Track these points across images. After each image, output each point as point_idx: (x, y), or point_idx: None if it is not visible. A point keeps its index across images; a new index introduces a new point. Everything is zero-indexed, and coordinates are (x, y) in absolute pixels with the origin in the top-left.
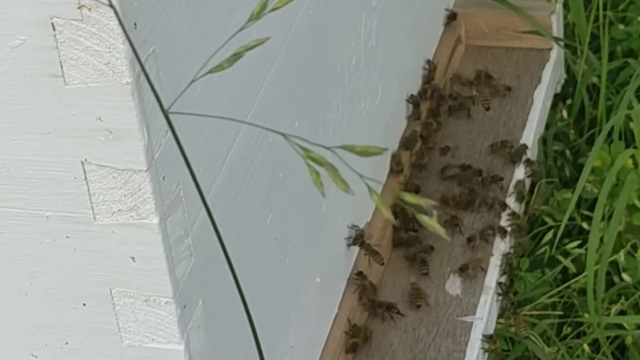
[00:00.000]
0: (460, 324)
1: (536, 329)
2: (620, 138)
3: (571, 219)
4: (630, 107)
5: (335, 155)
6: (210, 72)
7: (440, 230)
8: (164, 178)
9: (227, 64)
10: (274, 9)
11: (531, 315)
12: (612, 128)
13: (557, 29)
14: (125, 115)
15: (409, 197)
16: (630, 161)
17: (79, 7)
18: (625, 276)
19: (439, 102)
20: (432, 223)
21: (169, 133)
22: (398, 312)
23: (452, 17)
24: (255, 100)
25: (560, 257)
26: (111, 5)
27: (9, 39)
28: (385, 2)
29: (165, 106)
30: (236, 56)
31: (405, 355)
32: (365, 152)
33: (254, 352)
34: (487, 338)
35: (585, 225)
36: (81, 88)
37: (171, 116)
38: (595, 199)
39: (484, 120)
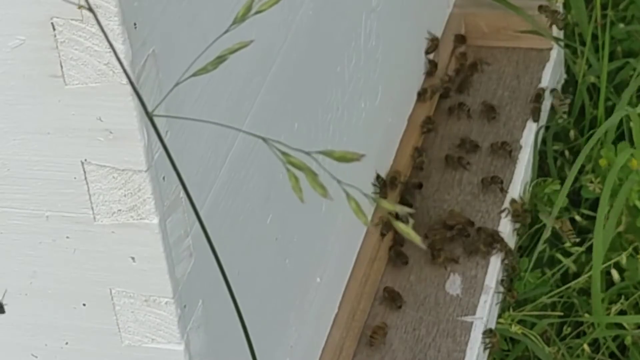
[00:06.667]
0: (460, 324)
1: (536, 328)
2: (622, 139)
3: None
4: (630, 106)
5: (314, 160)
6: (195, 74)
7: (416, 238)
8: (164, 178)
9: (212, 67)
10: (258, 12)
11: (531, 315)
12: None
13: (557, 29)
14: (125, 115)
15: (385, 204)
16: (635, 161)
17: (79, 7)
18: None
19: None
20: (407, 230)
21: (169, 133)
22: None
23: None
24: (255, 101)
25: (560, 257)
26: (90, 9)
27: (9, 39)
28: (385, 2)
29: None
30: (220, 59)
31: (405, 355)
32: (343, 158)
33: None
34: (487, 333)
35: (578, 218)
36: (81, 88)
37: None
38: (596, 199)
39: (484, 121)
